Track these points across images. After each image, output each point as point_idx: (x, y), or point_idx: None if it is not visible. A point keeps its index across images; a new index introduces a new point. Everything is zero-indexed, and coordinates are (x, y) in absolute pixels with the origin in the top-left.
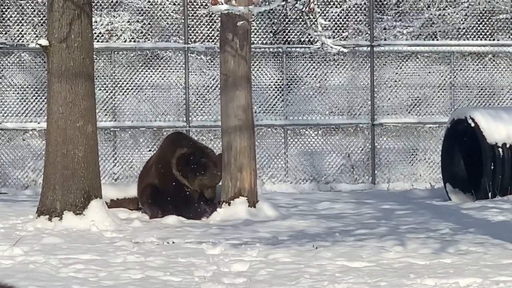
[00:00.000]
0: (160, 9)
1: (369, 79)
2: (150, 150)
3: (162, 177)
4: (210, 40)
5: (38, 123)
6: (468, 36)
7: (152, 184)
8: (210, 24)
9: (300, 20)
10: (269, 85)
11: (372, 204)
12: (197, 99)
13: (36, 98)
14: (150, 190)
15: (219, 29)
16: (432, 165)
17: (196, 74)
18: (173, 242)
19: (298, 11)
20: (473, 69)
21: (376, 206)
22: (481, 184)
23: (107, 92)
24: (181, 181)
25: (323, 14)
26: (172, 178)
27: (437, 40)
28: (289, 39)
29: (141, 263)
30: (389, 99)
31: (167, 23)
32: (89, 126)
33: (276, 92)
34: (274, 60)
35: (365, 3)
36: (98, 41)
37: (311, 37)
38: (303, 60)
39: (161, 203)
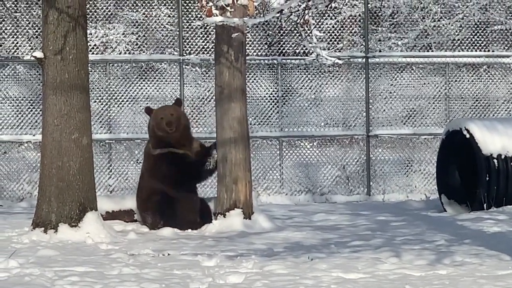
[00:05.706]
0: (155, 21)
1: (364, 90)
2: None
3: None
4: (205, 52)
5: (33, 135)
6: (463, 47)
7: (157, 192)
8: (205, 36)
9: (295, 31)
10: (264, 96)
11: (368, 216)
12: (192, 111)
13: (31, 111)
14: (157, 198)
15: (214, 41)
16: (427, 177)
17: (191, 86)
18: (168, 254)
19: (292, 23)
20: (468, 80)
21: (372, 218)
22: (476, 195)
23: (102, 104)
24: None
25: (318, 26)
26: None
27: (432, 51)
28: (284, 51)
29: (137, 275)
30: (384, 110)
31: (162, 35)
32: (84, 138)
33: (271, 104)
34: (269, 71)
35: (359, 15)
36: (93, 53)
37: (306, 49)
38: (298, 71)
39: (164, 210)
